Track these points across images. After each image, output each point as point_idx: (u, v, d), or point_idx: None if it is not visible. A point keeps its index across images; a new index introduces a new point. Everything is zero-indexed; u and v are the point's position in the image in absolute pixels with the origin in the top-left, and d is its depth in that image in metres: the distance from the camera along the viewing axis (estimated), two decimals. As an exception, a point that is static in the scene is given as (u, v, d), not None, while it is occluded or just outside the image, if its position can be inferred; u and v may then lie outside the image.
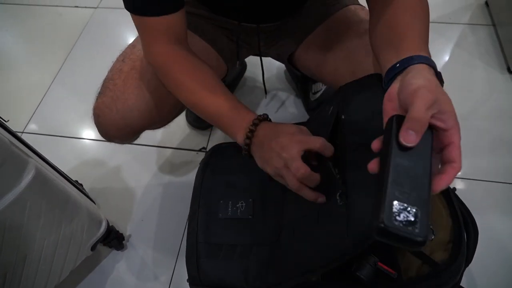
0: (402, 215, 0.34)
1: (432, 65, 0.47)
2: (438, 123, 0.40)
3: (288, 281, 0.55)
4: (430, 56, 0.49)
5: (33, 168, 0.61)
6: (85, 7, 1.50)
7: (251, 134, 0.55)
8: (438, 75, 0.47)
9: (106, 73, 0.73)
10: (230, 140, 0.62)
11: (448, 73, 1.17)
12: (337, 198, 0.51)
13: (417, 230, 0.33)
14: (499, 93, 1.11)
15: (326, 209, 0.54)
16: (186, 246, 0.66)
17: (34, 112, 1.21)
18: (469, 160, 0.99)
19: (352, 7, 0.77)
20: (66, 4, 1.52)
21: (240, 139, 0.57)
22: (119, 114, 0.68)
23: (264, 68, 0.88)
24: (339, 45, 0.73)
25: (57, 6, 1.52)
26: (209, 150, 0.78)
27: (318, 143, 0.52)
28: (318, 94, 1.08)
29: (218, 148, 0.78)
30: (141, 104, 0.68)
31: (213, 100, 0.59)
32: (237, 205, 0.67)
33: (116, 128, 0.70)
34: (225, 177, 0.72)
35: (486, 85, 1.13)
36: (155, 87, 0.69)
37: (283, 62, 0.89)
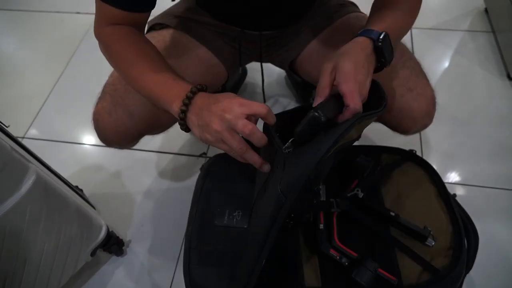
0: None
1: (371, 34, 0.57)
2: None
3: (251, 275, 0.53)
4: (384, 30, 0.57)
5: (33, 174, 0.62)
6: (87, 13, 1.51)
7: (188, 101, 0.52)
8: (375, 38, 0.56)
9: (106, 79, 0.73)
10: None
11: (448, 80, 1.18)
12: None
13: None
14: (499, 100, 1.11)
15: (272, 180, 0.52)
16: (183, 252, 0.66)
17: (35, 118, 1.21)
18: (470, 166, 0.99)
19: (354, 14, 0.78)
20: (67, 10, 1.53)
21: (176, 108, 0.53)
22: (119, 120, 0.69)
23: (264, 74, 0.88)
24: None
25: (58, 12, 1.53)
26: (212, 158, 0.78)
27: (262, 107, 0.50)
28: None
29: (221, 156, 0.78)
30: (141, 110, 0.69)
31: (152, 73, 0.58)
32: (234, 214, 0.68)
33: (116, 133, 0.70)
34: (225, 185, 0.72)
35: (486, 91, 1.14)
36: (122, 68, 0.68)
37: (284, 69, 0.89)
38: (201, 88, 0.54)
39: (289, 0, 0.72)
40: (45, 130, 1.18)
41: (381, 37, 0.55)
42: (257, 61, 0.86)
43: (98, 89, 0.73)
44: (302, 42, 0.79)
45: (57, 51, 1.40)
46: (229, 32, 0.77)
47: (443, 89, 1.15)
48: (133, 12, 0.60)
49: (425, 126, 0.71)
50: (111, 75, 0.73)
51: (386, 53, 0.56)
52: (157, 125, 0.73)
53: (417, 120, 0.68)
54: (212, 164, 0.77)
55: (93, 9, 1.53)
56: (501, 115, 1.08)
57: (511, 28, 1.14)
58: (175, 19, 0.77)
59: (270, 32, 0.77)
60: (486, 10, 1.32)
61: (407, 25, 0.64)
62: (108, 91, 0.70)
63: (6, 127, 0.66)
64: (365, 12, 0.76)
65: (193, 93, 0.53)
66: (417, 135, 1.05)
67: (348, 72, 0.51)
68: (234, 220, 0.67)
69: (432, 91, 0.69)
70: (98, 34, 0.64)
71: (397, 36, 0.60)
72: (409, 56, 0.70)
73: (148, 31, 0.78)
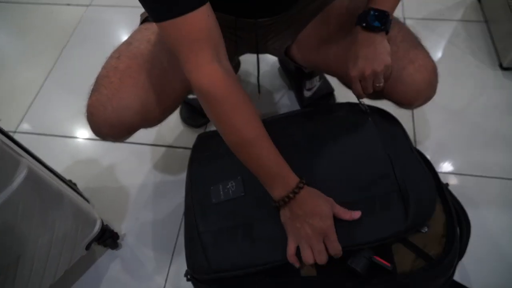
0: None
1: (363, 20, 0.64)
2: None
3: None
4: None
5: (25, 168, 0.61)
6: (77, 5, 1.49)
7: (293, 195, 0.57)
8: (368, 22, 0.64)
9: (99, 71, 0.72)
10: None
11: (441, 69, 1.16)
12: None
13: None
14: (492, 89, 1.12)
15: None
16: (186, 242, 0.66)
17: (26, 111, 1.20)
18: (462, 155, 1.00)
19: None
20: (58, 2, 1.51)
21: (278, 194, 0.58)
22: (113, 113, 0.68)
23: (251, 67, 0.88)
24: (339, 33, 0.74)
25: (48, 4, 1.50)
26: (195, 141, 0.78)
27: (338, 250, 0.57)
28: (312, 91, 1.08)
29: (199, 140, 0.79)
30: (136, 103, 0.68)
31: (261, 151, 0.58)
32: (228, 186, 0.67)
33: (110, 126, 0.69)
34: (212, 164, 0.72)
35: (478, 81, 1.14)
36: (150, 87, 0.69)
37: (279, 56, 0.89)
38: (303, 185, 0.58)
39: None
40: (37, 124, 1.17)
41: (390, 23, 0.64)
42: (252, 52, 0.85)
43: (90, 82, 0.72)
44: (297, 28, 0.78)
45: (48, 44, 1.38)
46: (224, 23, 0.76)
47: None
48: (193, 10, 0.53)
49: (429, 98, 0.72)
50: (105, 67, 0.72)
51: (374, 19, 0.64)
52: (152, 119, 0.72)
53: (421, 91, 0.69)
54: (194, 149, 0.77)
55: (82, 0, 1.50)
56: (493, 104, 1.09)
57: (503, 18, 1.14)
58: None
59: (265, 19, 0.76)
60: (479, 0, 1.32)
61: None
62: (102, 83, 0.69)
63: None
64: None
65: (299, 188, 0.58)
66: (410, 124, 1.06)
67: (364, 73, 0.65)
68: (230, 191, 0.67)
69: (432, 62, 0.69)
70: (196, 83, 0.56)
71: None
72: (406, 30, 0.71)
73: (142, 23, 0.77)
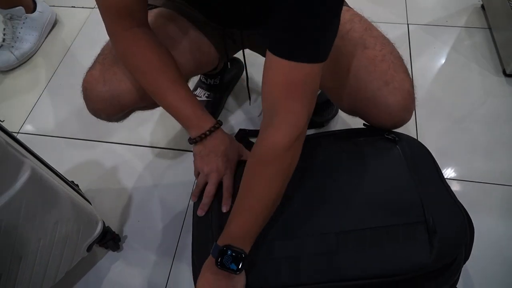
0: None
1: (218, 255, 0.59)
2: None
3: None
4: (242, 237, 0.61)
5: (28, 169, 0.61)
6: (82, 7, 1.49)
7: (204, 136, 0.68)
8: (223, 262, 0.58)
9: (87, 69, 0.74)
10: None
11: (445, 76, 1.18)
12: None
13: None
14: (495, 96, 1.12)
15: None
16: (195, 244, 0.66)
17: (29, 113, 1.20)
18: (466, 161, 1.00)
19: (344, 12, 0.77)
20: (62, 4, 1.51)
21: (193, 134, 0.69)
22: (106, 86, 0.69)
23: (254, 70, 0.88)
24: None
25: (53, 6, 1.51)
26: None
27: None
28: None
29: None
30: (130, 79, 0.69)
31: (175, 95, 0.67)
32: None
33: (104, 101, 0.71)
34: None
35: (482, 87, 1.14)
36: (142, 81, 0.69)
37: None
38: (218, 126, 0.69)
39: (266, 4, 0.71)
40: (40, 125, 1.17)
41: (218, 254, 0.55)
42: (239, 49, 0.88)
43: None
44: None
45: (53, 46, 1.38)
46: (213, 31, 0.78)
47: (440, 85, 1.15)
48: None
49: (404, 121, 0.71)
50: (102, 48, 0.74)
51: (231, 261, 0.55)
52: (146, 98, 0.72)
53: (393, 114, 0.68)
54: None
55: (87, 3, 1.52)
56: (496, 111, 1.08)
57: (507, 25, 1.14)
58: (162, 1, 0.77)
59: (250, 31, 0.78)
60: (482, 7, 1.32)
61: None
62: (97, 61, 0.72)
63: (1, 121, 0.65)
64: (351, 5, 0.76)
65: (211, 131, 0.68)
66: (413, 130, 1.06)
67: None
68: None
69: (410, 85, 0.68)
70: (113, 42, 0.67)
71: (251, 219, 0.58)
72: (389, 50, 0.70)
73: None
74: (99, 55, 0.73)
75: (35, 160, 0.70)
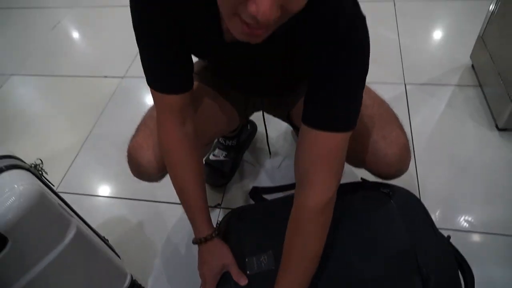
0: None
1: None
2: None
3: None
4: None
5: (74, 227, 0.72)
6: (113, 77, 1.69)
7: (200, 242, 0.79)
8: None
9: (132, 134, 0.86)
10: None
11: (442, 130, 1.27)
12: None
13: None
14: (490, 148, 1.20)
15: None
16: None
17: (66, 173, 1.34)
18: (464, 212, 1.06)
19: None
20: (96, 75, 1.72)
21: (197, 235, 0.79)
22: (149, 151, 0.81)
23: (273, 128, 1.00)
24: None
25: (88, 76, 1.72)
26: (229, 214, 0.87)
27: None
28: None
29: (233, 213, 0.87)
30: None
31: (193, 195, 0.79)
32: (261, 259, 0.75)
33: (147, 164, 0.82)
34: (247, 236, 0.80)
35: (477, 140, 1.23)
36: (171, 173, 0.80)
37: (283, 119, 1.02)
38: (215, 236, 0.78)
39: (287, 80, 0.83)
40: (74, 185, 1.30)
41: None
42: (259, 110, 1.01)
43: (122, 146, 0.85)
44: (298, 96, 0.90)
45: (87, 111, 1.56)
46: (236, 99, 0.92)
47: (438, 139, 1.25)
48: (173, 94, 0.70)
49: (401, 171, 0.81)
50: (143, 118, 0.86)
51: None
52: None
53: (391, 165, 0.78)
54: (231, 221, 0.85)
55: (118, 72, 1.73)
56: (492, 163, 1.16)
57: (494, 83, 1.25)
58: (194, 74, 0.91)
59: (271, 98, 0.91)
60: (472, 66, 1.44)
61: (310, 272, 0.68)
62: (140, 129, 0.84)
63: (46, 173, 0.77)
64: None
65: (207, 240, 0.78)
66: (414, 181, 1.14)
67: None
68: (263, 264, 0.74)
69: (405, 139, 0.79)
70: (160, 134, 0.77)
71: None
72: (385, 109, 0.82)
73: None
74: (141, 123, 0.86)
75: (77, 218, 0.81)
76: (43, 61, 1.85)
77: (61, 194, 0.74)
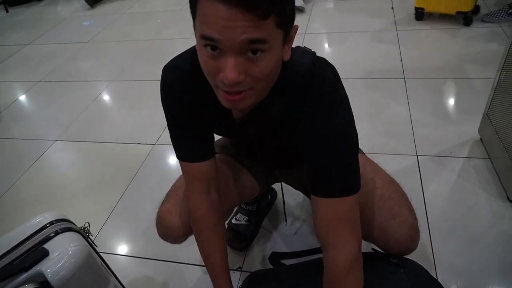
0: None
1: None
2: None
3: None
4: None
5: (112, 285, 0.80)
6: (146, 143, 1.86)
7: None
8: None
9: (160, 200, 0.96)
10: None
11: (455, 202, 1.33)
12: None
13: None
14: (503, 220, 1.24)
15: None
16: None
17: (97, 234, 1.44)
18: (481, 283, 1.08)
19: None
20: (131, 142, 1.89)
21: None
22: (177, 217, 0.90)
23: (292, 197, 1.09)
24: None
25: (124, 143, 1.89)
26: (247, 280, 0.93)
27: None
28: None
29: (251, 277, 0.94)
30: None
31: (216, 261, 0.86)
32: None
33: (174, 228, 0.91)
34: None
35: (490, 212, 1.27)
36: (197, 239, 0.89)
37: (300, 191, 1.11)
38: None
39: (298, 159, 0.93)
40: (106, 245, 1.39)
41: None
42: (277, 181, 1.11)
43: (151, 211, 0.96)
44: None
45: (121, 175, 1.70)
46: (258, 169, 1.03)
47: (451, 210, 1.30)
48: (198, 162, 0.83)
49: (410, 249, 0.86)
50: (173, 185, 0.97)
51: None
52: None
53: (401, 242, 0.84)
54: (248, 284, 0.92)
55: (150, 140, 1.93)
56: (506, 235, 1.19)
57: (502, 155, 1.32)
58: (218, 148, 1.03)
59: (288, 170, 1.01)
60: (481, 139, 1.53)
61: None
62: (170, 195, 0.94)
63: (92, 235, 0.87)
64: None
65: None
66: (429, 253, 1.17)
67: None
68: None
69: (413, 219, 0.86)
70: (188, 202, 0.86)
71: None
72: (395, 189, 0.89)
73: None
74: (171, 191, 0.96)
75: (113, 277, 0.90)
76: (84, 128, 2.06)
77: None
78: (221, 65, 0.57)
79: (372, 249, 0.91)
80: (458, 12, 2.33)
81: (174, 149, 0.85)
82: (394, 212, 0.85)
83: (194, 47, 0.70)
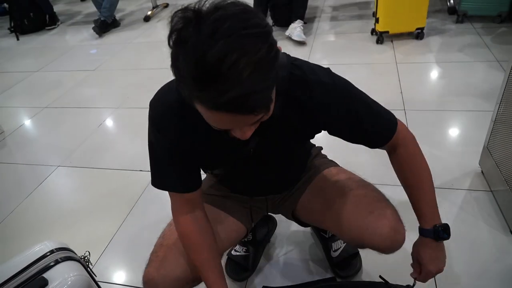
0: None
1: (435, 235, 0.87)
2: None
3: None
4: (437, 217, 0.90)
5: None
6: (148, 171, 1.86)
7: None
8: (439, 236, 0.87)
9: (161, 229, 0.96)
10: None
11: (457, 235, 1.31)
12: None
13: None
14: (506, 254, 1.22)
15: None
16: None
17: (96, 261, 1.42)
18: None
19: (333, 168, 1.04)
20: (132, 169, 1.90)
21: None
22: (160, 279, 0.88)
23: (293, 226, 1.09)
24: (336, 200, 0.95)
25: (126, 170, 1.90)
26: None
27: None
28: (339, 252, 1.24)
29: None
30: (178, 271, 0.88)
31: (210, 273, 0.87)
32: None
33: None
34: None
35: (493, 245, 1.26)
36: (190, 258, 0.89)
37: (289, 218, 1.12)
38: None
39: (287, 178, 1.00)
40: (104, 273, 1.37)
41: (434, 234, 0.86)
42: (266, 215, 1.13)
43: (152, 238, 0.94)
44: (298, 195, 1.04)
45: (121, 203, 1.69)
46: (242, 199, 1.04)
47: (454, 244, 1.28)
48: (187, 192, 0.85)
49: (396, 241, 0.87)
50: (155, 245, 0.94)
51: (444, 233, 0.87)
52: (192, 282, 0.91)
53: (384, 235, 0.85)
54: None
55: None
56: (510, 270, 1.17)
57: (504, 188, 1.33)
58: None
59: (275, 195, 1.03)
60: (482, 172, 1.53)
61: (430, 183, 0.91)
62: (152, 258, 0.92)
63: (92, 264, 0.86)
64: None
65: None
66: (433, 285, 1.15)
67: (430, 271, 0.89)
68: None
69: (391, 210, 0.88)
70: (176, 225, 0.89)
71: (434, 203, 0.90)
72: (370, 189, 0.94)
73: None
74: (153, 252, 0.92)
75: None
76: (87, 154, 2.07)
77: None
78: (231, 129, 0.64)
79: (380, 276, 0.90)
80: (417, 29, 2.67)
81: (155, 177, 0.87)
82: (371, 208, 0.88)
83: None
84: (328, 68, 0.80)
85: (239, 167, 0.90)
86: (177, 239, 0.91)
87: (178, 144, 0.80)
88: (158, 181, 0.86)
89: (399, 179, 0.91)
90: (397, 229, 0.88)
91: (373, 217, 0.87)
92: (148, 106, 0.80)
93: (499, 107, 1.35)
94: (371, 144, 0.87)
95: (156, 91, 0.81)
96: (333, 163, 1.09)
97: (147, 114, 0.81)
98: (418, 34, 2.70)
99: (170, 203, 0.99)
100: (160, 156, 0.83)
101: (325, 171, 1.04)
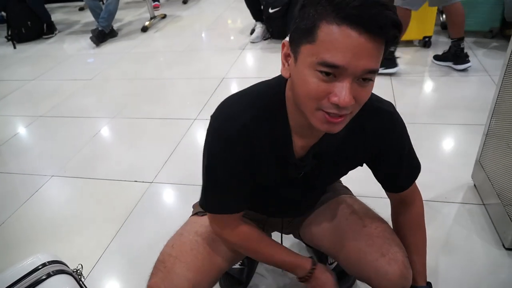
0: None
1: None
2: None
3: None
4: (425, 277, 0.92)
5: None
6: (142, 181, 1.86)
7: (310, 274, 0.89)
8: None
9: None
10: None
11: (450, 248, 1.33)
12: None
13: None
14: (499, 268, 1.23)
15: None
16: None
17: (88, 274, 1.41)
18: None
19: (348, 196, 1.03)
20: (127, 179, 1.90)
21: (300, 275, 0.90)
22: None
23: (288, 239, 1.09)
24: (347, 231, 0.94)
25: (120, 180, 1.90)
26: None
27: None
28: (334, 265, 1.24)
29: None
30: (184, 283, 0.86)
31: (276, 251, 0.90)
32: None
33: None
34: None
35: (486, 259, 1.26)
36: (196, 269, 0.88)
37: (295, 236, 1.13)
38: (314, 267, 0.90)
39: (314, 202, 1.01)
40: (97, 285, 1.36)
41: None
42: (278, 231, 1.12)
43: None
44: (311, 217, 1.03)
45: (115, 214, 1.68)
46: (256, 217, 1.03)
47: (446, 257, 1.29)
48: (238, 212, 0.87)
49: (403, 287, 0.86)
50: (162, 253, 0.92)
51: None
52: None
53: (393, 281, 0.84)
54: None
55: (147, 178, 1.94)
56: (503, 283, 1.18)
57: (496, 202, 1.34)
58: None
59: (289, 218, 1.02)
60: (475, 185, 1.55)
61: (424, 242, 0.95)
62: (159, 268, 0.89)
63: (84, 277, 0.85)
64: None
65: (313, 269, 0.89)
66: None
67: None
68: None
69: (403, 256, 0.86)
70: (227, 239, 0.90)
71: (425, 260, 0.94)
72: (383, 228, 0.91)
73: (193, 215, 1.03)
74: (160, 261, 0.90)
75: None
76: (82, 164, 2.07)
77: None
78: (334, 88, 0.60)
79: None
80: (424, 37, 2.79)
81: (212, 202, 0.86)
82: (383, 250, 0.86)
83: (254, 95, 0.77)
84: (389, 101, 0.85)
85: (282, 188, 0.89)
86: (186, 251, 0.90)
87: (247, 164, 0.79)
88: (216, 206, 0.85)
89: (396, 232, 0.93)
90: (406, 276, 0.86)
91: (384, 261, 0.85)
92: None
93: (490, 121, 1.37)
94: (397, 182, 0.91)
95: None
96: (348, 191, 1.09)
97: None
98: (426, 43, 2.83)
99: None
100: (222, 179, 0.81)
101: (340, 198, 1.02)
